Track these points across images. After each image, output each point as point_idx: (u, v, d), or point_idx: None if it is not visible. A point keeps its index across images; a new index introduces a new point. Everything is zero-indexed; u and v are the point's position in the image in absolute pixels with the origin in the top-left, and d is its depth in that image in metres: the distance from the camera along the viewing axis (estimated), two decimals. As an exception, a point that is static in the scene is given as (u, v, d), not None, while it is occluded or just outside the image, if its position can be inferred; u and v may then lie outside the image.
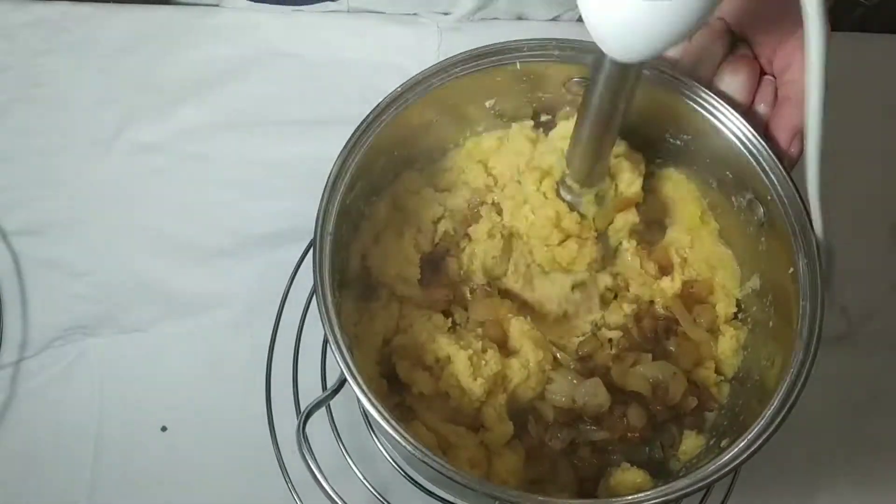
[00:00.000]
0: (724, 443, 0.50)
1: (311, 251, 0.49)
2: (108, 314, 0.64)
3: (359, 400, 0.45)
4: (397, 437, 0.44)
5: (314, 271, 0.47)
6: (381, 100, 0.52)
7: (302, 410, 0.47)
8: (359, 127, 0.51)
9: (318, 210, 0.49)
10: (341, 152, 0.50)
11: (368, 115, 0.51)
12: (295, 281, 0.62)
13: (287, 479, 0.56)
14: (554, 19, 0.77)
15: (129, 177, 0.69)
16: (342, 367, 0.45)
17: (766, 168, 0.51)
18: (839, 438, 0.64)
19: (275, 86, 0.74)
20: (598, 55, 0.43)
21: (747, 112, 0.52)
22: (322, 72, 0.74)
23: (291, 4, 0.76)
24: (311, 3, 0.75)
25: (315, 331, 0.60)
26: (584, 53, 0.53)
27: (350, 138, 0.51)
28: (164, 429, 0.61)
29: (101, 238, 0.67)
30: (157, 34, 0.75)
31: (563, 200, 0.55)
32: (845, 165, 0.72)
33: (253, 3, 0.75)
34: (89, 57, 0.73)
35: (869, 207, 0.71)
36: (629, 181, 0.56)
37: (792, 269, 0.49)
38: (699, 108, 0.52)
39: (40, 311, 0.64)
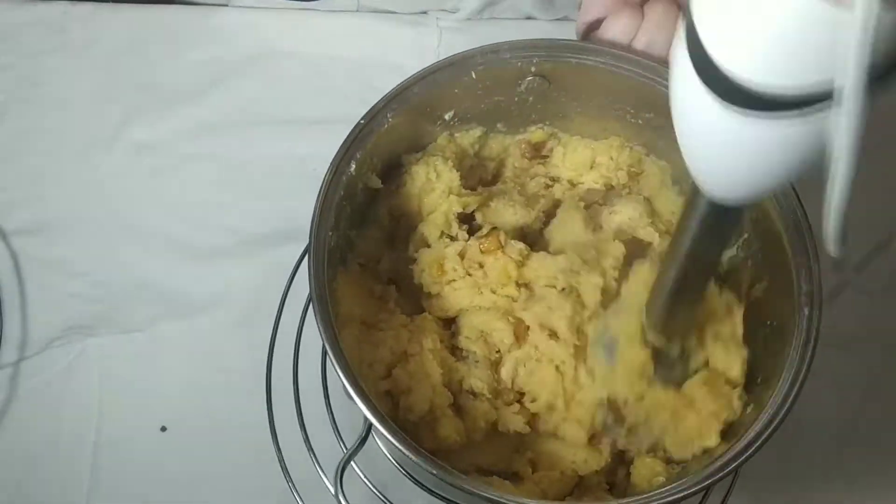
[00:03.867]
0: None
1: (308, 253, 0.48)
2: (107, 314, 0.64)
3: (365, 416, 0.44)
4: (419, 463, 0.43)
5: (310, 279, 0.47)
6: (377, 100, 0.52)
7: (337, 466, 0.47)
8: (352, 131, 0.51)
9: (312, 220, 0.49)
10: (335, 157, 0.50)
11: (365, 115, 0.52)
12: (294, 280, 0.62)
13: (288, 479, 0.56)
14: (561, 19, 0.77)
15: (129, 177, 0.69)
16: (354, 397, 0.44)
17: None
18: (838, 438, 0.63)
19: (275, 86, 0.74)
20: (693, 194, 0.37)
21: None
22: (322, 72, 0.74)
23: (301, 1, 0.75)
24: None
25: (315, 330, 0.60)
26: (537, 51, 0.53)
27: (345, 140, 0.51)
28: (163, 429, 0.61)
29: (101, 238, 0.67)
30: (157, 34, 0.75)
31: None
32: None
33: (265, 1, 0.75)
34: (89, 57, 0.73)
35: (869, 212, 0.71)
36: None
37: (780, 229, 0.49)
38: (658, 86, 0.53)
39: (40, 311, 0.64)
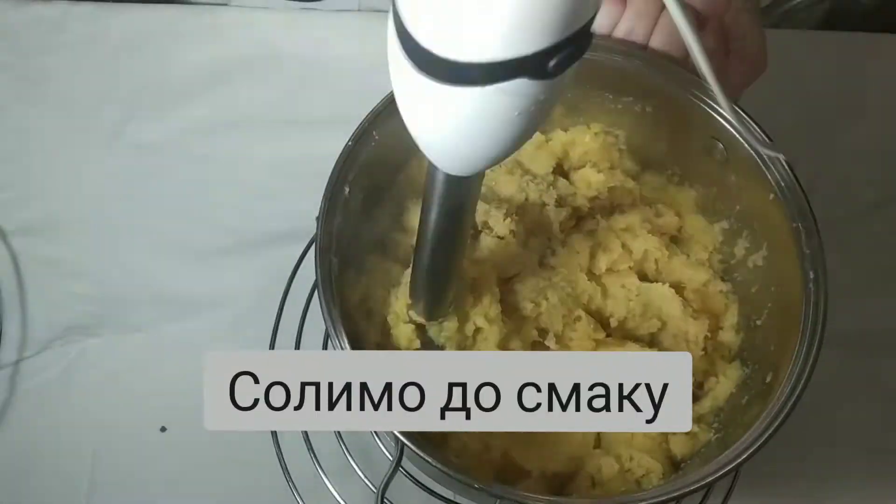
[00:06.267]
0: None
1: (311, 248, 0.48)
2: (108, 314, 0.64)
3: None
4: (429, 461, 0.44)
5: (316, 269, 0.47)
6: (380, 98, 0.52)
7: (378, 488, 0.47)
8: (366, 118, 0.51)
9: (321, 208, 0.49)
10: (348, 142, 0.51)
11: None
12: (295, 280, 0.62)
13: (288, 479, 0.56)
14: None
15: (129, 177, 0.69)
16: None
17: (715, 107, 0.52)
18: (841, 438, 0.63)
19: (275, 86, 0.74)
20: (429, 169, 0.38)
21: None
22: (322, 72, 0.74)
23: (302, 1, 0.75)
24: None
25: (315, 330, 0.60)
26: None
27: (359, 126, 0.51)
28: (163, 429, 0.61)
29: (101, 238, 0.67)
30: (157, 34, 0.75)
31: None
32: (846, 165, 0.73)
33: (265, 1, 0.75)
34: (89, 57, 0.73)
35: (867, 209, 0.71)
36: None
37: (772, 196, 0.50)
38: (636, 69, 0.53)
39: (40, 311, 0.64)
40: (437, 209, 0.40)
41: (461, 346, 0.52)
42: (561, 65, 0.29)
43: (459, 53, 0.29)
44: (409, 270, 0.48)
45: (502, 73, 0.29)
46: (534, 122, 0.32)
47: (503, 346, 0.53)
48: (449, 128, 0.32)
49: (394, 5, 0.31)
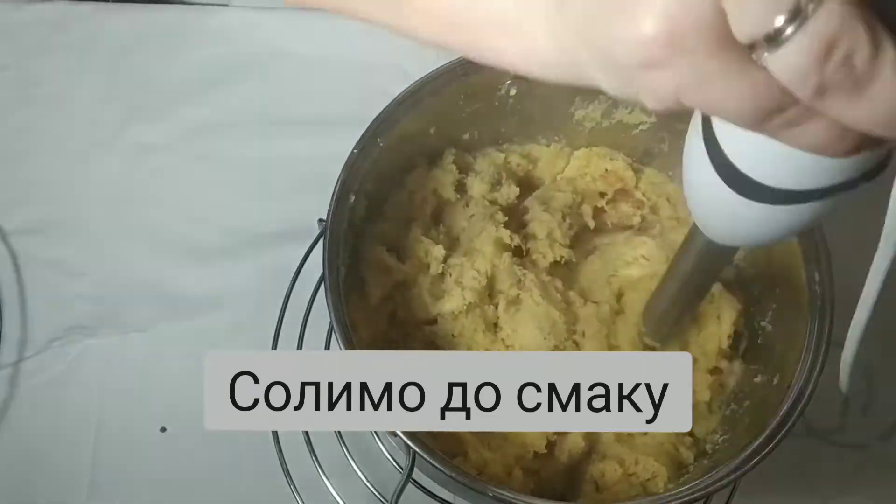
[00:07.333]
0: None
1: (314, 249, 0.49)
2: (107, 314, 0.64)
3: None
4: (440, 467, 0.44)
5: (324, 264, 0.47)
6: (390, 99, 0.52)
7: (390, 500, 0.47)
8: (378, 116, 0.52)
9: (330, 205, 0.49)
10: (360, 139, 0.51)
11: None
12: (297, 281, 0.62)
13: (289, 480, 0.56)
14: None
15: (129, 177, 0.69)
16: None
17: None
18: (840, 446, 0.63)
19: (275, 86, 0.74)
20: (693, 229, 0.40)
21: None
22: (322, 72, 0.74)
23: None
24: None
25: (318, 331, 0.60)
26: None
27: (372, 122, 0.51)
28: (163, 429, 0.61)
29: (101, 238, 0.67)
30: (157, 34, 0.75)
31: None
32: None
33: (266, 1, 0.75)
34: (89, 57, 0.73)
35: (870, 213, 0.71)
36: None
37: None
38: None
39: (40, 311, 0.64)
40: (692, 262, 0.42)
41: None
42: (868, 178, 0.29)
43: (784, 183, 0.29)
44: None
45: (822, 195, 0.29)
46: (825, 215, 0.32)
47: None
48: (746, 225, 0.32)
49: (705, 125, 0.30)
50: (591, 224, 0.59)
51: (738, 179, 0.29)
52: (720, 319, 0.54)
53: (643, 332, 0.53)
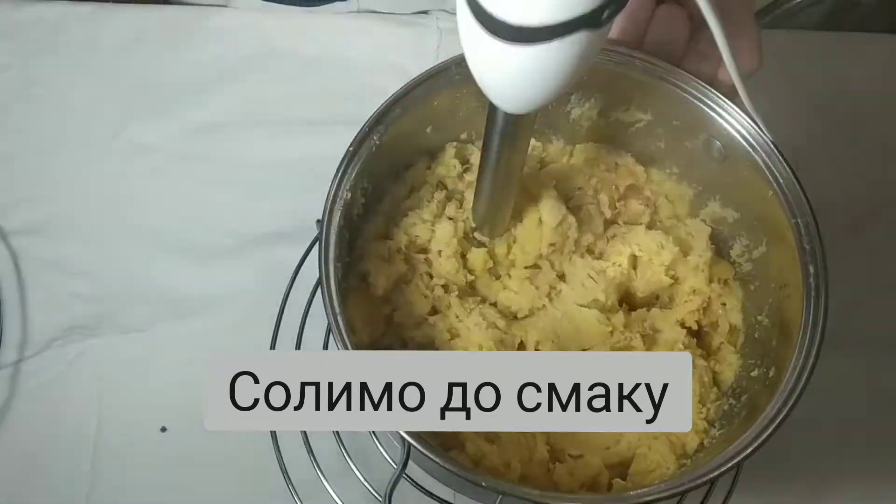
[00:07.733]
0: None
1: (312, 250, 0.48)
2: (108, 314, 0.64)
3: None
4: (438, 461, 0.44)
5: (320, 264, 0.47)
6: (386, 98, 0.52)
7: (384, 493, 0.47)
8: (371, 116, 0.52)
9: (326, 202, 0.49)
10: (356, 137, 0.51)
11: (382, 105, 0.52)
12: (296, 281, 0.62)
13: (287, 480, 0.56)
14: None
15: (129, 177, 0.69)
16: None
17: (717, 107, 0.52)
18: (843, 437, 0.64)
19: (275, 86, 0.74)
20: (490, 109, 0.43)
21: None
22: (322, 72, 0.74)
23: (302, 6, 0.75)
24: (322, 4, 0.75)
25: (316, 331, 0.60)
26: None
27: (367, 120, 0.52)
28: (163, 429, 0.61)
29: (101, 238, 0.67)
30: (157, 34, 0.75)
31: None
32: (847, 165, 0.73)
33: (265, 2, 0.75)
34: (89, 57, 0.73)
35: (870, 206, 0.71)
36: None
37: (771, 192, 0.50)
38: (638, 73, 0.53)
39: (40, 311, 0.64)
40: (497, 143, 0.45)
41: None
42: (611, 15, 0.34)
43: (531, 19, 0.33)
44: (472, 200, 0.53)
45: (566, 29, 0.34)
46: (585, 64, 0.37)
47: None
48: (515, 77, 0.37)
49: None
50: (608, 214, 0.59)
51: (487, 19, 0.34)
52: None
53: (472, 228, 0.56)
